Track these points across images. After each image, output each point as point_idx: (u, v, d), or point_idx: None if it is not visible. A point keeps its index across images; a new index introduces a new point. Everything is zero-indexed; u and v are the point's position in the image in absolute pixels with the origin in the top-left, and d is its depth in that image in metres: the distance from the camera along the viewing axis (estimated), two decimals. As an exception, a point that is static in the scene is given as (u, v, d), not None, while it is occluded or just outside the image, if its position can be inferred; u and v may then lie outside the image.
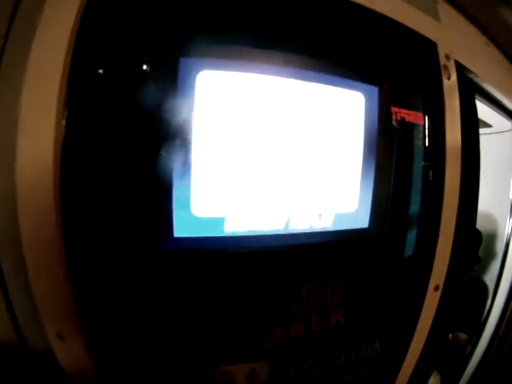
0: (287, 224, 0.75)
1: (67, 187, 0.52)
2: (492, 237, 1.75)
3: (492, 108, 1.35)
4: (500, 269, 1.60)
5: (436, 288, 0.93)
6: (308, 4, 0.73)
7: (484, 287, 1.65)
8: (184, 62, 0.63)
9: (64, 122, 0.51)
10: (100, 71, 0.57)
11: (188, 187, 0.65)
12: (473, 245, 1.53)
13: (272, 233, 0.74)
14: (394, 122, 0.86)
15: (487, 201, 1.54)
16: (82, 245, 0.56)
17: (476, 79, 1.10)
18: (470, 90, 1.06)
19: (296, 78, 0.72)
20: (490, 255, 1.74)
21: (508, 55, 1.33)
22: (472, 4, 1.07)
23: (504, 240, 1.64)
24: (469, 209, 1.06)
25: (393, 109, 0.85)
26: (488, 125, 1.59)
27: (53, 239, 0.50)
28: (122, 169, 0.60)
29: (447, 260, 0.93)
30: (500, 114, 1.43)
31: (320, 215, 0.78)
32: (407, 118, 0.87)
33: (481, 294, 1.64)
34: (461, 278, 1.15)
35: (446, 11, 0.99)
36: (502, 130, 1.62)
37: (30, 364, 0.55)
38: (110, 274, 0.59)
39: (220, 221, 0.69)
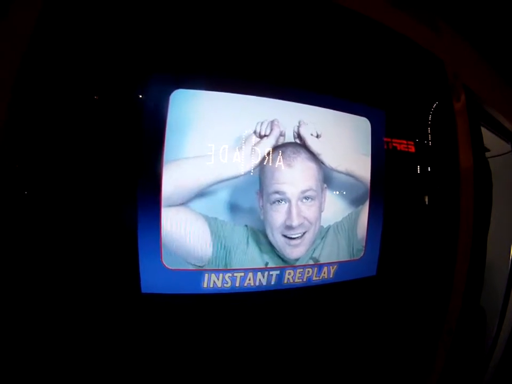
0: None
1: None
2: (494, 261, 1.67)
3: (491, 131, 1.31)
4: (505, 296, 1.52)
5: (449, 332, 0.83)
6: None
7: (483, 312, 1.56)
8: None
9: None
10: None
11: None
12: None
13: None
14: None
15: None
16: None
17: (480, 102, 1.05)
18: (475, 114, 1.01)
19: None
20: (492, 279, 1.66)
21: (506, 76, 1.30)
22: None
23: (509, 264, 1.56)
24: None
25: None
26: (486, 149, 1.54)
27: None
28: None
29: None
30: (499, 137, 1.38)
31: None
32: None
33: (481, 319, 1.55)
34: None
35: (447, 31, 0.94)
36: (500, 153, 1.57)
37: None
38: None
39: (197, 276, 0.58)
